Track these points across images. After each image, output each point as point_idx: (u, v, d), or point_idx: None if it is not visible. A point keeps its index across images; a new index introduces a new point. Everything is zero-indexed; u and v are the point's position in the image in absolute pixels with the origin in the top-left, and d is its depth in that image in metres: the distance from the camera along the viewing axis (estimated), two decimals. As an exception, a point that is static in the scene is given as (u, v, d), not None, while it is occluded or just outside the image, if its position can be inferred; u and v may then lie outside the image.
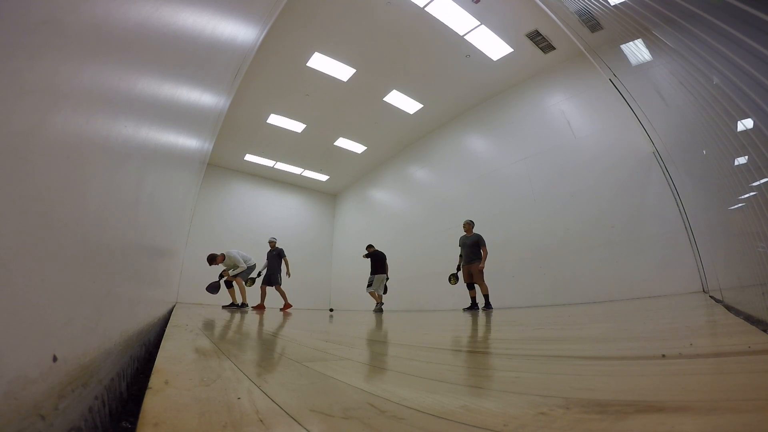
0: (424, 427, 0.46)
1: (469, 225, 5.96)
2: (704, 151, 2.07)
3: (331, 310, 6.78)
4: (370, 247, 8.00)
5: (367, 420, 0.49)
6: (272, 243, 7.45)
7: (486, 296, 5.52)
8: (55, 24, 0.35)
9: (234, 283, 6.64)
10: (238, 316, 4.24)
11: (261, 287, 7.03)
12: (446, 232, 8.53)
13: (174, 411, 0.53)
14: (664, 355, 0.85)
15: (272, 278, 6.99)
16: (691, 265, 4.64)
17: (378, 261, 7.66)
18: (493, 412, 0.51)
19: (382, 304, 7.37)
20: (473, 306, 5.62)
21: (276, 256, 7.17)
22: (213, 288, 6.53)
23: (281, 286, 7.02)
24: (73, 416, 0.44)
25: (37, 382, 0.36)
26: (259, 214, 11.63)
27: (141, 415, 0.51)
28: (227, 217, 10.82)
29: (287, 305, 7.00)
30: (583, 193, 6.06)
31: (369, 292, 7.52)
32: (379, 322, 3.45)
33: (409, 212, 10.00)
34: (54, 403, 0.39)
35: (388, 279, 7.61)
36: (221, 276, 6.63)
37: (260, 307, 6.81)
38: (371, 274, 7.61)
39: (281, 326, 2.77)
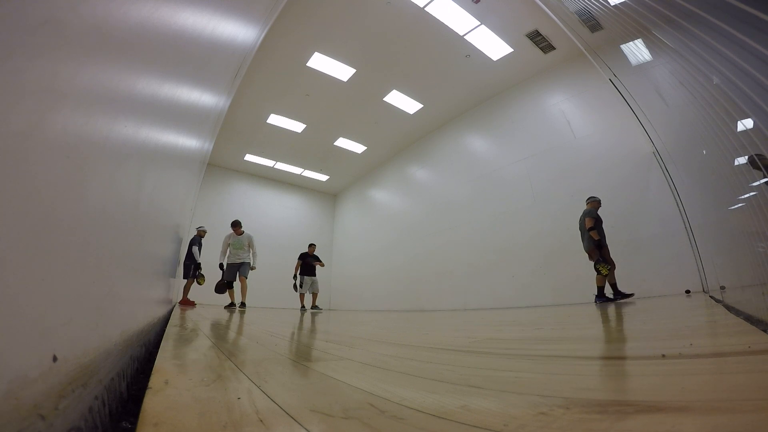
0: (424, 427, 0.46)
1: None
2: (704, 151, 2.07)
3: None
4: (311, 246, 8.20)
5: (367, 420, 0.49)
6: (202, 232, 7.01)
7: (604, 287, 4.72)
8: (55, 24, 0.34)
9: (237, 282, 6.51)
10: (237, 316, 4.24)
11: (190, 281, 6.60)
12: (447, 232, 8.54)
13: (174, 411, 0.53)
14: (664, 355, 0.85)
15: (188, 270, 6.55)
16: (691, 265, 4.64)
17: (309, 263, 8.02)
18: (493, 412, 0.51)
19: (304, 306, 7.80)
20: (617, 295, 4.65)
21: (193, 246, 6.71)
22: (221, 288, 6.49)
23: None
24: (73, 416, 0.44)
25: (37, 382, 0.36)
26: (259, 214, 11.63)
27: (141, 415, 0.51)
28: (227, 217, 10.77)
29: (186, 301, 6.64)
30: (583, 193, 6.05)
31: (301, 293, 7.83)
32: (379, 323, 3.45)
33: (409, 212, 10.01)
34: (54, 403, 0.39)
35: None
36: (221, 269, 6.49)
37: (190, 304, 6.52)
38: (302, 275, 7.86)
39: (281, 327, 2.77)
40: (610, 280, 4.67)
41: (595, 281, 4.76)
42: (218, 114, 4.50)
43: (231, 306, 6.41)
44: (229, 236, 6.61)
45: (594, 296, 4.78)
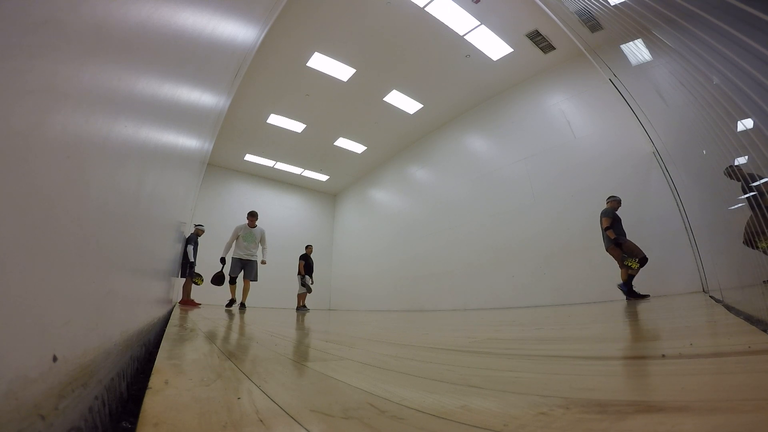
0: (424, 427, 0.46)
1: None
2: (704, 151, 2.07)
3: None
4: (309, 247, 8.37)
5: (367, 420, 0.49)
6: (200, 231, 6.59)
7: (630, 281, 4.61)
8: (55, 24, 0.34)
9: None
10: (237, 316, 4.24)
11: (188, 280, 6.28)
12: (446, 232, 8.54)
13: (174, 411, 0.53)
14: (664, 355, 0.85)
15: (183, 269, 6.17)
16: (691, 265, 4.64)
17: (311, 264, 8.19)
18: (493, 412, 0.51)
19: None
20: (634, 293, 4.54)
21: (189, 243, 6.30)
22: (218, 279, 6.26)
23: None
24: (73, 416, 0.44)
25: (37, 382, 0.36)
26: (260, 214, 11.61)
27: (141, 415, 0.51)
28: (227, 217, 10.80)
29: (188, 301, 6.32)
30: (583, 193, 6.06)
31: (300, 294, 8.00)
32: (379, 323, 3.45)
33: (409, 212, 10.01)
34: (54, 403, 0.39)
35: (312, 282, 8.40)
36: (223, 262, 6.25)
37: (192, 304, 6.25)
38: (306, 274, 8.04)
39: (280, 327, 2.77)
40: (630, 274, 4.55)
41: (621, 276, 4.69)
42: (218, 114, 4.50)
43: (231, 303, 6.20)
44: (241, 227, 6.22)
45: (623, 291, 4.60)
